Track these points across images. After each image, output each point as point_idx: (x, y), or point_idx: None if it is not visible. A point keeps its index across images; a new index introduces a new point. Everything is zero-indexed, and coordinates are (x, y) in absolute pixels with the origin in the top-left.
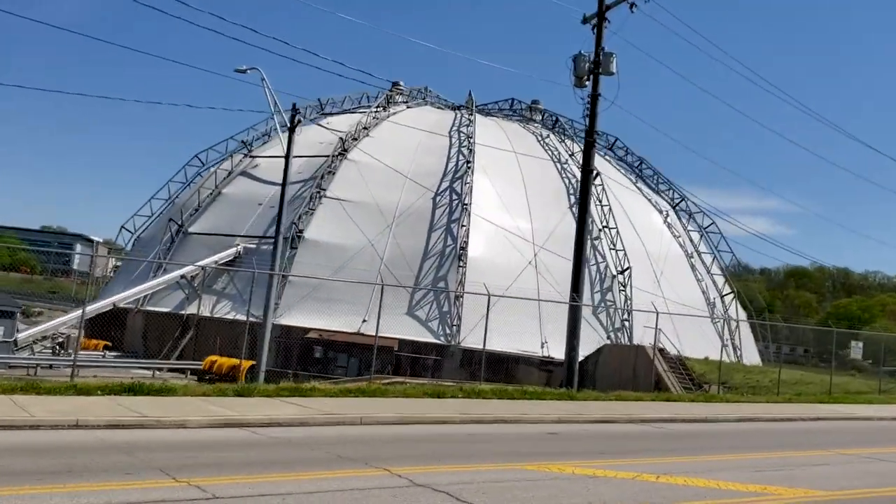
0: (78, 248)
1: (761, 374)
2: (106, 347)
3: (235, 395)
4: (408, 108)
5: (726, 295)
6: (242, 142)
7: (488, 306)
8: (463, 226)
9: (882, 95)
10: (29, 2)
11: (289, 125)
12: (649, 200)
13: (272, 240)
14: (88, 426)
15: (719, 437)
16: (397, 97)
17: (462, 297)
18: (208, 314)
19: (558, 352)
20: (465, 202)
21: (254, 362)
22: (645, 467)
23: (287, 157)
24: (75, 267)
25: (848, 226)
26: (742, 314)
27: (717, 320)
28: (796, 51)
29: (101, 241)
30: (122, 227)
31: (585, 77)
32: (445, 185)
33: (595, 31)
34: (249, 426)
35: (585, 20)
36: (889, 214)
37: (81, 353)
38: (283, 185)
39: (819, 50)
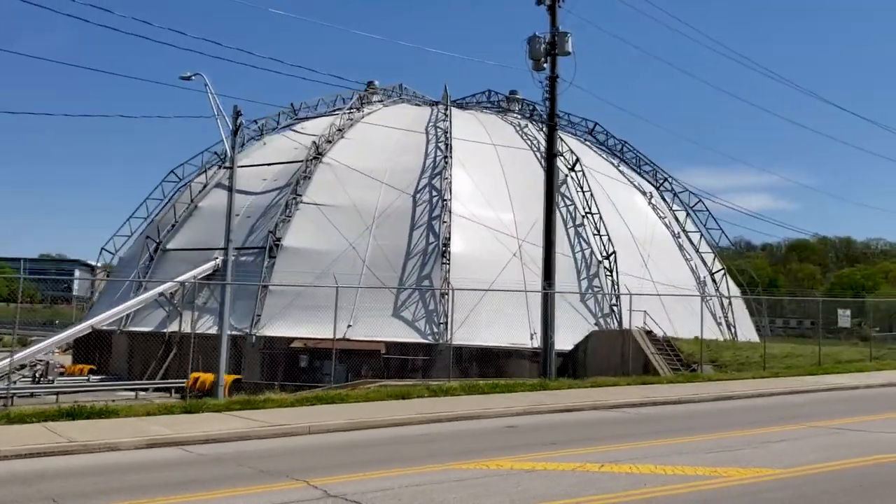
0: (77, 273)
1: (751, 349)
2: (91, 371)
3: (183, 412)
4: (383, 106)
5: (716, 272)
6: (216, 153)
7: (452, 301)
8: (444, 222)
9: (865, 61)
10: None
11: (231, 128)
12: (632, 183)
13: (252, 250)
14: (7, 457)
15: (688, 419)
16: (372, 97)
17: (448, 294)
18: (190, 330)
19: None
20: (446, 198)
21: (238, 376)
22: (592, 456)
23: (232, 165)
24: (74, 293)
25: (849, 197)
26: (736, 291)
27: (708, 298)
28: (774, 27)
29: (99, 265)
30: (103, 248)
31: (542, 59)
32: (424, 182)
33: (549, 11)
34: (184, 444)
35: (539, 1)
36: (888, 182)
37: (66, 378)
38: (230, 190)
39: (796, 27)
